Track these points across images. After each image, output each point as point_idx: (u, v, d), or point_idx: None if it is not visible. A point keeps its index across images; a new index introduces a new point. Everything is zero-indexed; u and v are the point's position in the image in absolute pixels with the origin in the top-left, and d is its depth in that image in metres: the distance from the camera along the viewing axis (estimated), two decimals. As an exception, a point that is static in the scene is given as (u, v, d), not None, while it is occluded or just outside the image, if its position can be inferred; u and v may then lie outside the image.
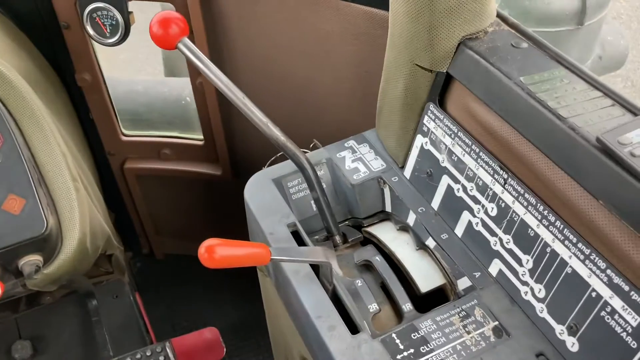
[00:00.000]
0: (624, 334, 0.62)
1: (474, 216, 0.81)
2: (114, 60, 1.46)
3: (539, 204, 0.71)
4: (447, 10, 0.75)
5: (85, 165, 1.40)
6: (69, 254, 1.09)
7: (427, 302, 0.82)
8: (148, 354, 1.35)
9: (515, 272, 0.76)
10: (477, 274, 0.80)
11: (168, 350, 1.36)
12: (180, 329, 1.86)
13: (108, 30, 1.21)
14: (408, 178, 0.94)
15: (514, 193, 0.74)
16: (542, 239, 0.71)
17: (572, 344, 0.69)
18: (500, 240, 0.78)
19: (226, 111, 1.47)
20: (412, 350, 0.73)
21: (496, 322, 0.75)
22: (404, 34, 0.82)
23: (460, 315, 0.76)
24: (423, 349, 0.73)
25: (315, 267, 0.83)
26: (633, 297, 0.61)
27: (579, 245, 0.66)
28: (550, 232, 0.70)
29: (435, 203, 0.89)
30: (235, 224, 1.78)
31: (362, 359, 0.71)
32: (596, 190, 0.63)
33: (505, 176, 0.75)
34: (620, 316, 0.62)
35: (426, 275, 0.85)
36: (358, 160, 0.99)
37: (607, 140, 0.60)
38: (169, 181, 1.71)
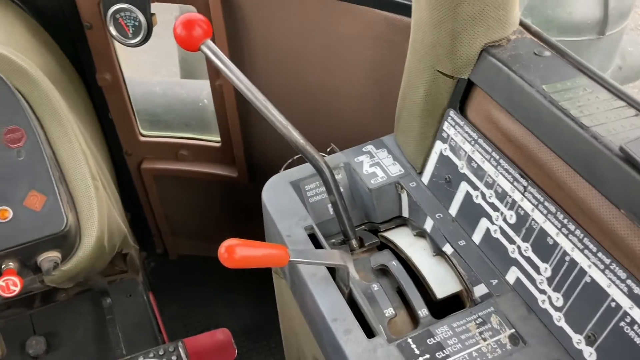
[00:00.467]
0: (643, 345, 0.62)
1: (493, 223, 0.81)
2: (130, 60, 1.48)
3: (558, 212, 0.71)
4: (471, 17, 0.75)
5: (103, 164, 1.41)
6: (86, 251, 1.10)
7: (443, 308, 0.82)
8: (161, 353, 1.36)
9: (532, 280, 0.76)
10: (494, 282, 0.80)
11: (180, 350, 1.37)
12: (192, 330, 1.87)
13: (130, 31, 1.22)
14: (426, 184, 0.94)
15: (533, 201, 0.74)
16: (562, 247, 0.71)
17: (590, 353, 0.68)
18: (519, 247, 0.78)
19: (244, 114, 1.48)
20: (427, 356, 0.73)
21: (513, 330, 0.75)
22: (426, 40, 0.83)
23: (477, 322, 0.76)
24: (439, 355, 0.73)
25: (332, 270, 0.83)
26: (653, 308, 0.61)
27: (599, 254, 0.66)
28: (570, 240, 0.69)
29: (453, 209, 0.89)
30: (250, 226, 1.79)
31: (377, 363, 0.71)
32: (618, 199, 0.63)
33: (525, 184, 0.75)
34: (640, 327, 0.62)
35: (443, 282, 0.85)
36: (376, 165, 0.99)
37: (631, 150, 0.60)
38: (185, 182, 1.72)
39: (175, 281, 1.97)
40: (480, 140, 0.82)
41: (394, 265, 0.86)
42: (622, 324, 0.64)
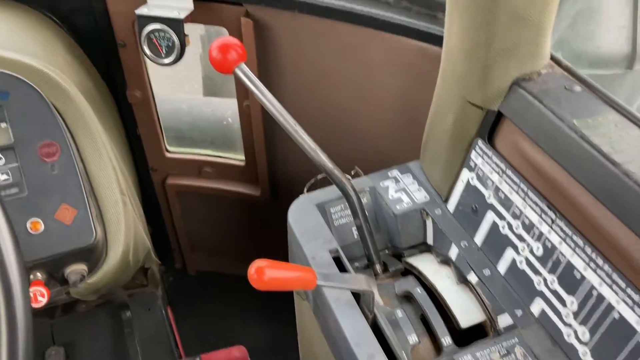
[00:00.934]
0: (671, 384, 0.61)
1: (519, 254, 0.82)
2: (155, 76, 1.52)
3: (586, 246, 0.71)
4: (504, 50, 0.77)
5: (129, 179, 1.44)
6: (112, 265, 1.12)
7: (467, 337, 0.82)
8: (178, 368, 1.37)
9: (558, 313, 0.76)
10: (519, 313, 0.80)
11: (197, 365, 1.38)
12: (208, 346, 1.86)
13: (164, 51, 1.25)
14: (451, 212, 0.95)
15: (561, 234, 0.75)
16: (589, 281, 0.71)
17: (616, 390, 0.68)
18: (545, 280, 0.78)
19: (269, 134, 1.50)
20: (451, 385, 0.73)
21: (537, 363, 0.75)
22: (457, 71, 0.84)
23: (501, 352, 0.76)
24: (462, 384, 0.73)
25: (356, 295, 0.84)
26: (683, 348, 0.60)
27: (628, 290, 0.66)
28: (598, 275, 0.70)
29: (479, 238, 0.89)
30: (271, 244, 1.80)
31: (401, 390, 0.72)
32: (648, 236, 0.63)
33: (553, 216, 0.76)
34: (669, 366, 0.62)
35: (467, 310, 0.85)
36: (401, 191, 1.00)
37: (662, 188, 0.61)
38: (208, 199, 1.74)
39: (193, 296, 1.99)
40: (509, 171, 0.83)
41: (419, 292, 0.87)
42: (649, 361, 0.64)
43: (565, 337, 0.75)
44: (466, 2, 0.76)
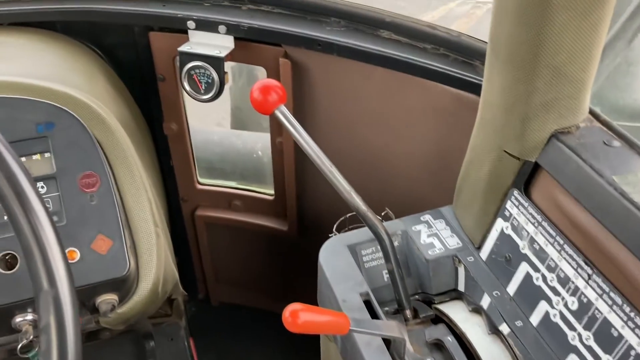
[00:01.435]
0: None
1: (553, 307, 0.81)
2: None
3: (625, 305, 0.70)
4: (543, 104, 0.77)
5: (161, 209, 1.46)
6: (142, 296, 1.13)
7: (497, 389, 0.81)
8: (199, 401, 1.36)
9: (593, 371, 0.75)
10: (552, 367, 0.79)
11: (218, 399, 1.37)
12: (228, 379, 1.87)
13: (203, 87, 1.28)
14: (484, 259, 0.95)
15: (598, 290, 0.74)
16: (627, 340, 0.70)
17: None
18: (579, 335, 0.77)
19: (300, 171, 1.52)
20: None
21: (571, 421, 0.73)
22: (496, 121, 0.85)
23: (533, 408, 0.75)
24: None
25: (386, 340, 0.84)
26: None
27: (667, 353, 0.65)
28: (637, 335, 0.69)
29: (512, 288, 0.89)
30: (296, 279, 1.81)
31: None
32: (690, 299, 0.62)
33: (590, 272, 0.75)
34: None
35: (498, 362, 0.84)
36: (434, 236, 1.00)
37: None
38: (236, 231, 1.75)
39: (215, 328, 1.99)
40: (545, 223, 0.83)
41: (449, 340, 0.86)
42: None
43: (600, 396, 0.73)
44: (507, 57, 0.77)
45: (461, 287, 0.97)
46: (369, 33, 1.20)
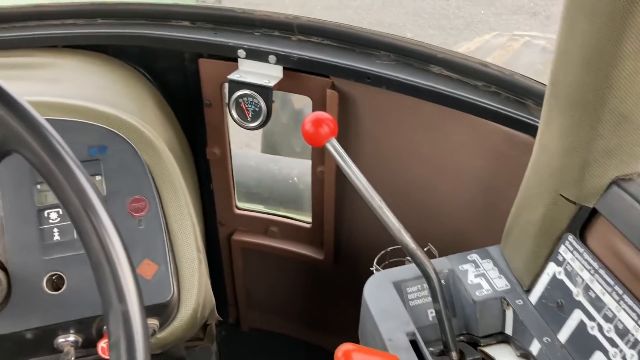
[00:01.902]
0: None
1: (609, 359, 0.78)
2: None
3: (689, 362, 0.68)
4: (606, 150, 0.76)
5: (200, 233, 1.47)
6: (182, 321, 1.13)
7: None
8: None
9: None
10: (607, 422, 0.77)
11: None
12: (256, 407, 1.85)
13: (250, 115, 1.29)
14: (534, 303, 0.93)
15: (660, 344, 0.72)
16: (691, 400, 0.67)
17: None
18: (638, 390, 0.74)
19: (339, 200, 1.51)
20: None
21: None
22: (553, 164, 0.83)
23: None
24: None
25: (433, 383, 0.82)
26: None
27: None
28: (702, 395, 0.66)
29: (563, 336, 0.86)
30: (329, 309, 1.79)
31: None
32: None
33: (651, 325, 0.73)
34: None
35: (549, 412, 0.82)
36: (481, 276, 0.99)
37: None
38: (271, 257, 1.75)
39: (244, 353, 1.98)
40: (602, 271, 0.81)
41: (499, 386, 0.84)
42: None
43: None
44: (570, 101, 0.76)
45: (509, 331, 0.94)
46: (419, 68, 1.20)
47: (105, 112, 1.13)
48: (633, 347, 0.75)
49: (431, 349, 0.95)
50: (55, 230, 1.05)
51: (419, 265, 0.91)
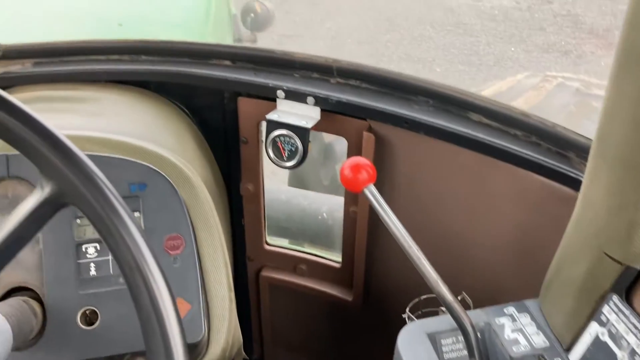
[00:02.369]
0: None
1: None
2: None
3: None
4: (655, 212, 0.74)
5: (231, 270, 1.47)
6: (210, 360, 1.12)
7: None
8: None
9: None
10: None
11: None
12: None
13: (286, 155, 1.30)
14: (574, 364, 0.90)
15: None
16: None
17: None
18: None
19: (371, 242, 1.50)
20: None
21: None
22: (598, 222, 0.82)
23: None
24: None
25: None
26: None
27: None
28: None
29: (606, 400, 0.84)
30: (355, 351, 1.77)
31: None
32: None
33: (702, 397, 0.70)
34: None
35: None
36: (518, 331, 0.96)
37: None
38: (298, 295, 1.74)
39: (267, 391, 1.95)
40: (648, 336, 0.78)
41: None
42: None
43: None
44: (618, 160, 0.75)
45: (547, 391, 0.92)
46: (457, 114, 1.19)
47: (145, 148, 1.15)
48: (682, 418, 0.72)
49: (466, 405, 0.93)
50: (92, 265, 1.06)
51: (456, 319, 0.90)
